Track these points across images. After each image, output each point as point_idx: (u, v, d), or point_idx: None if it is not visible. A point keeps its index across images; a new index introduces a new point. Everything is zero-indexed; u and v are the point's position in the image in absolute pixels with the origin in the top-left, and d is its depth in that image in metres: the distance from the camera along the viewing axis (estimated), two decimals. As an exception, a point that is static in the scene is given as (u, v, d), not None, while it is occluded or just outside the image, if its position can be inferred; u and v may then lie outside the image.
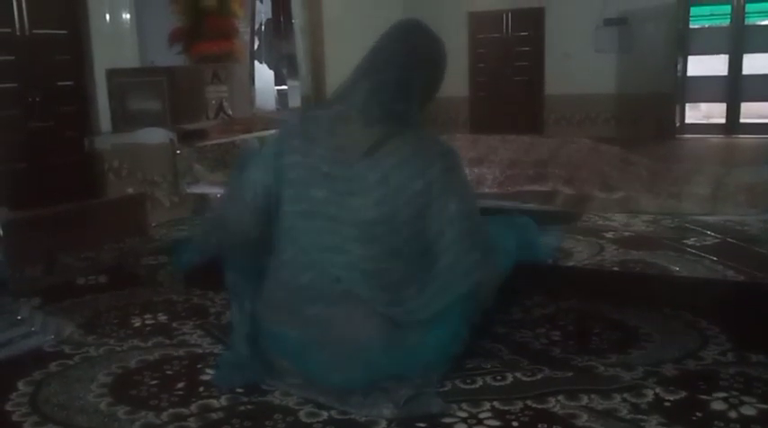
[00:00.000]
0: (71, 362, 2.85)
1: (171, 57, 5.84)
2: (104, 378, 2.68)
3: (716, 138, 10.77)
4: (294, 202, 2.45)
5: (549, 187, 2.96)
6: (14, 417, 2.41)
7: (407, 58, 2.48)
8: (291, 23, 7.36)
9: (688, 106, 11.41)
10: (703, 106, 12.03)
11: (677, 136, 10.85)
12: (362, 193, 2.38)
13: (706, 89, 11.34)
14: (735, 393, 2.42)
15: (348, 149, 2.42)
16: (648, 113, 10.78)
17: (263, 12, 7.18)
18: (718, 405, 2.35)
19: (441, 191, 2.41)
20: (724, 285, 3.70)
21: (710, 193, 2.93)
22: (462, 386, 2.53)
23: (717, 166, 4.04)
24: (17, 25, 5.72)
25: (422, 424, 2.28)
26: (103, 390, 2.59)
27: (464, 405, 2.39)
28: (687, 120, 11.37)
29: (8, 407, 2.47)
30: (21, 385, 2.64)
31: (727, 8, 10.98)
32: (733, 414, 2.29)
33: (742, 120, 10.99)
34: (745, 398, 2.38)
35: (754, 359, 2.69)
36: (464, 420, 2.31)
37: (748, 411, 2.31)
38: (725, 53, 11.09)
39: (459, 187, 2.48)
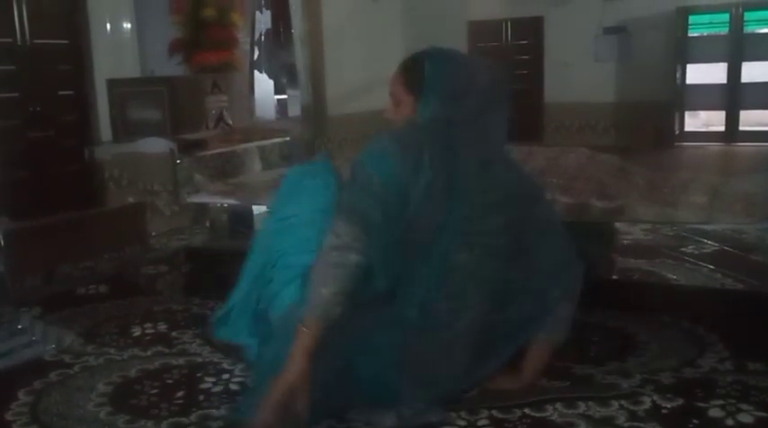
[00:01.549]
0: (71, 372, 2.86)
1: (171, 67, 5.87)
2: (104, 388, 2.69)
3: (715, 146, 10.80)
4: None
5: (548, 196, 2.97)
6: (14, 427, 2.42)
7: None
8: (291, 33, 7.39)
9: (687, 114, 11.45)
10: (702, 114, 12.07)
11: (676, 144, 10.89)
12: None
13: (705, 97, 11.40)
14: (732, 401, 2.43)
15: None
16: (648, 122, 10.82)
17: (263, 22, 7.21)
18: (715, 413, 2.36)
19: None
20: (722, 293, 3.71)
21: (707, 202, 2.94)
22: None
23: (715, 175, 4.05)
24: (18, 35, 5.76)
25: (419, 433, 2.29)
26: (103, 399, 2.59)
27: (462, 414, 2.39)
28: (687, 128, 11.41)
29: (8, 417, 2.48)
30: (21, 394, 2.65)
31: (726, 16, 11.04)
32: (730, 422, 2.30)
33: (741, 128, 11.03)
34: (743, 406, 2.39)
35: (751, 367, 2.69)
36: (463, 429, 2.32)
37: (745, 418, 2.31)
38: (724, 61, 11.13)
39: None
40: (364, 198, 2.21)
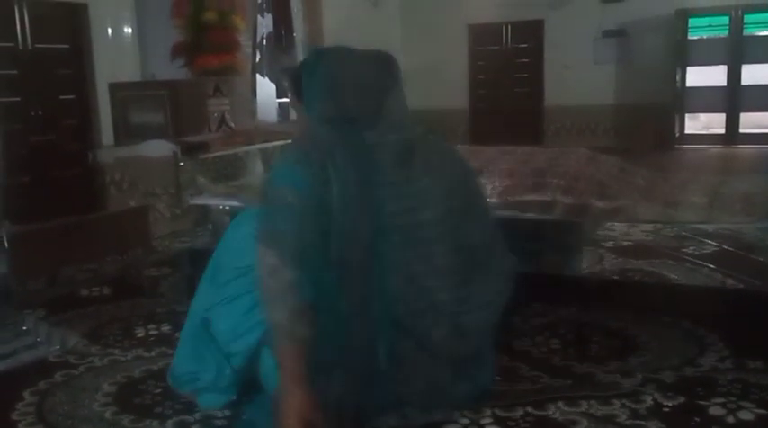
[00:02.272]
0: (76, 372, 2.88)
1: (173, 71, 5.89)
2: (109, 388, 2.71)
3: (715, 148, 10.80)
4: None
5: (548, 196, 2.99)
6: (20, 426, 2.44)
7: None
8: (293, 36, 7.42)
9: (687, 117, 11.44)
10: (703, 116, 12.06)
11: (677, 146, 10.88)
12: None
13: (705, 99, 11.38)
14: (732, 398, 2.45)
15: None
16: (648, 124, 10.81)
17: (265, 25, 7.24)
18: (716, 411, 2.37)
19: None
20: (722, 293, 3.74)
21: (707, 202, 2.96)
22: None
23: (714, 175, 4.06)
24: (19, 39, 5.77)
25: (423, 431, 2.31)
26: (108, 399, 2.62)
27: (466, 412, 2.41)
28: (687, 131, 11.39)
29: (14, 417, 2.50)
30: (26, 395, 2.67)
31: (726, 19, 11.03)
32: (731, 419, 2.32)
33: (741, 131, 11.02)
34: (743, 403, 2.41)
35: (751, 365, 2.71)
36: (466, 427, 2.34)
37: (746, 416, 2.34)
38: (724, 64, 11.13)
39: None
40: (280, 215, 2.14)
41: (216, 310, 2.46)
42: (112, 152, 5.54)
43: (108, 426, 2.42)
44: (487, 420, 2.37)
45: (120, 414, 2.49)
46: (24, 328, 3.26)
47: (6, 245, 3.66)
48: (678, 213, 2.89)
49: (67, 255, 4.23)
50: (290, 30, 6.90)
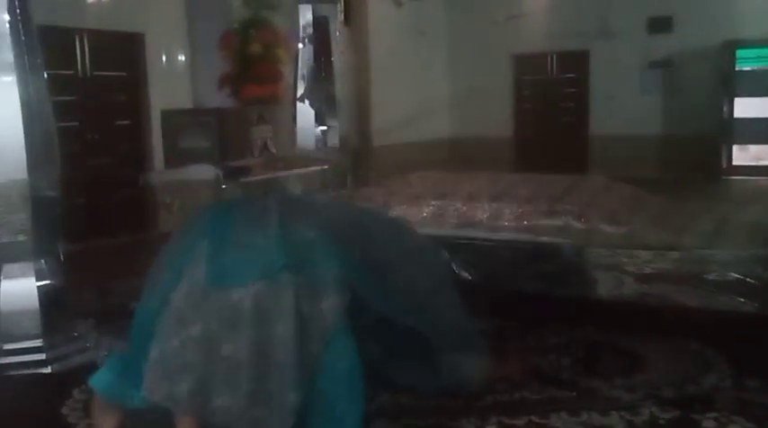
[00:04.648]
0: (120, 375, 3.13)
1: (221, 99, 6.18)
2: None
3: (765, 180, 10.68)
4: None
5: (561, 222, 3.17)
6: (70, 419, 2.71)
7: None
8: (332, 66, 7.69)
9: (736, 148, 11.37)
10: (752, 148, 11.98)
11: (724, 177, 10.83)
12: None
13: (754, 131, 11.32)
14: (726, 413, 2.58)
15: None
16: (694, 155, 10.78)
17: (306, 56, 7.51)
18: (708, 424, 2.52)
19: None
20: (732, 317, 3.85)
21: (712, 229, 3.11)
22: (473, 403, 2.74)
23: (729, 204, 4.19)
24: (79, 67, 6.13)
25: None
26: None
27: (472, 419, 2.59)
28: (735, 162, 11.32)
29: (64, 411, 2.77)
30: (75, 392, 2.93)
31: (775, 51, 11.00)
32: (720, 432, 2.46)
33: (792, 161, 10.91)
34: (735, 418, 2.55)
35: (750, 385, 2.84)
36: (471, 432, 2.53)
37: (735, 429, 2.48)
38: (773, 95, 11.07)
39: None
40: None
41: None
42: (162, 175, 5.83)
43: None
44: (493, 427, 2.55)
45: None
46: (76, 335, 3.53)
47: (62, 259, 3.92)
48: (684, 238, 3.05)
49: (119, 271, 4.51)
50: (329, 60, 7.17)
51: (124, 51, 6.60)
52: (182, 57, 6.83)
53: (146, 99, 6.62)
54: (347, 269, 2.46)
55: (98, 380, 2.49)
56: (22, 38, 3.23)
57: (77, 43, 6.19)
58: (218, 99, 6.21)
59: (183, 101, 6.63)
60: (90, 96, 6.25)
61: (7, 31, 3.16)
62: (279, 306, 2.33)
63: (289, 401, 2.26)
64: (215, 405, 2.28)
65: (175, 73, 6.80)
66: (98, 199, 6.20)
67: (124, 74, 6.59)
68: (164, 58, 6.75)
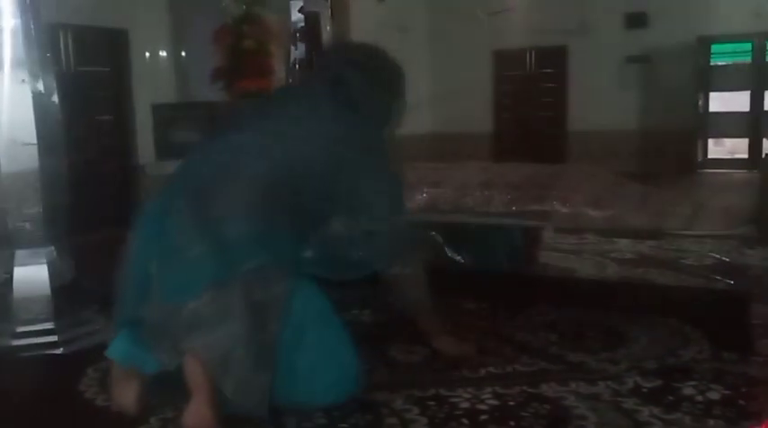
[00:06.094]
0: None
1: (212, 93, 6.35)
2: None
3: (739, 173, 10.93)
4: None
5: (548, 207, 3.36)
6: (87, 394, 2.86)
7: None
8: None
9: (712, 142, 11.61)
10: (728, 141, 12.24)
11: (699, 170, 11.07)
12: None
13: (728, 125, 11.57)
14: (704, 382, 2.79)
15: None
16: (670, 148, 11.00)
17: (297, 51, 7.67)
18: (688, 391, 2.71)
19: None
20: (709, 294, 4.10)
21: (691, 213, 3.30)
22: (468, 375, 2.92)
23: (705, 191, 4.42)
24: (63, 63, 6.24)
25: (431, 402, 2.67)
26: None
27: (469, 389, 2.77)
28: (710, 155, 11.57)
29: (81, 387, 2.92)
30: (90, 371, 3.08)
31: (749, 45, 11.25)
32: (700, 398, 2.65)
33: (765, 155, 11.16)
34: (713, 386, 2.75)
35: (726, 356, 3.05)
36: (468, 400, 2.70)
37: (713, 395, 2.67)
38: (747, 89, 11.31)
39: None
40: None
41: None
42: (150, 169, 5.98)
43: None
44: (488, 395, 2.73)
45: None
46: (85, 318, 3.66)
47: (71, 247, 4.03)
48: (664, 222, 3.25)
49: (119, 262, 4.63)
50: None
51: (108, 47, 6.72)
52: (164, 52, 6.96)
53: (129, 94, 6.74)
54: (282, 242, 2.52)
55: (114, 350, 2.65)
56: (33, 34, 3.37)
57: (61, 40, 6.31)
58: (206, 93, 6.40)
59: (166, 95, 6.80)
60: (73, 92, 6.36)
61: (20, 28, 3.30)
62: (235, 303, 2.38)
63: (262, 380, 2.39)
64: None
65: (159, 67, 6.93)
66: (83, 194, 6.30)
67: (108, 69, 6.71)
68: (147, 54, 6.87)
